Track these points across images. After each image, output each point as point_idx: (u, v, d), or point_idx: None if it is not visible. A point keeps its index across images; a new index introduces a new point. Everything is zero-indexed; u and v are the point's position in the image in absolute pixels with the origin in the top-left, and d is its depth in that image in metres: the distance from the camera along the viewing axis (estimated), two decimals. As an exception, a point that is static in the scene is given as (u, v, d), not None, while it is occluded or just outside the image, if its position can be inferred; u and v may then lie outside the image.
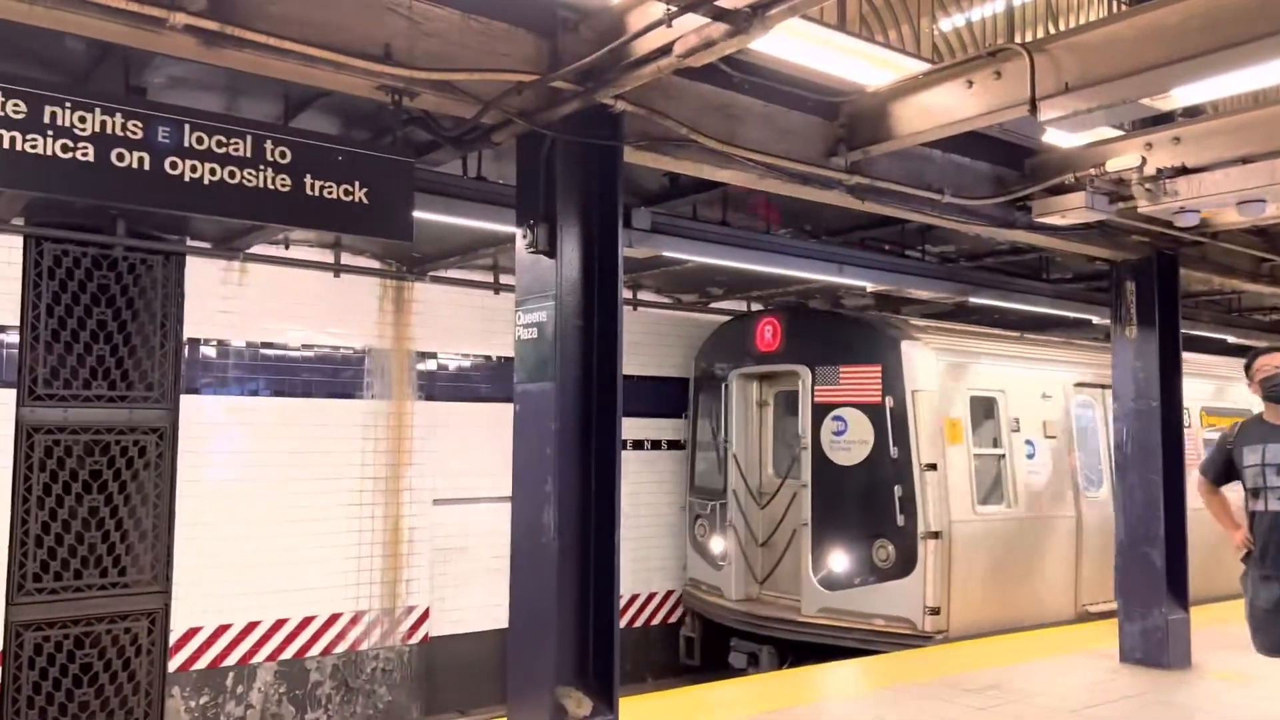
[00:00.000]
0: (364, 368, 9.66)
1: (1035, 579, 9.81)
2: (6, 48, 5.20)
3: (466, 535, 10.23)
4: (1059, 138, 6.55)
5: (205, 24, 4.06)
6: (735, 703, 7.20)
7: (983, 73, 5.32)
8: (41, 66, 5.45)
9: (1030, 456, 9.97)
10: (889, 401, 9.23)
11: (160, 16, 3.95)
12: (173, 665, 8.46)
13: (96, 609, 8.14)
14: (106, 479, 8.24)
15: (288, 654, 9.05)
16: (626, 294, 11.28)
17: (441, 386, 10.20)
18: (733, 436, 10.60)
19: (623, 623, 10.50)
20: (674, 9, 4.17)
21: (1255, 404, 5.73)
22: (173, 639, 8.46)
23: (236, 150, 4.42)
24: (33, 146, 3.97)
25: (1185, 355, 11.84)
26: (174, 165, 4.27)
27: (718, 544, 10.51)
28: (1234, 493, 5.75)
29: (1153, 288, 8.33)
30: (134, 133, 4.19)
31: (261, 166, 4.48)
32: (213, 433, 8.75)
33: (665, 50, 4.46)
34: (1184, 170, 6.13)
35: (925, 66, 5.77)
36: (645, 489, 11.49)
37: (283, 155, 4.54)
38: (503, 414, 10.01)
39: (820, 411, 9.77)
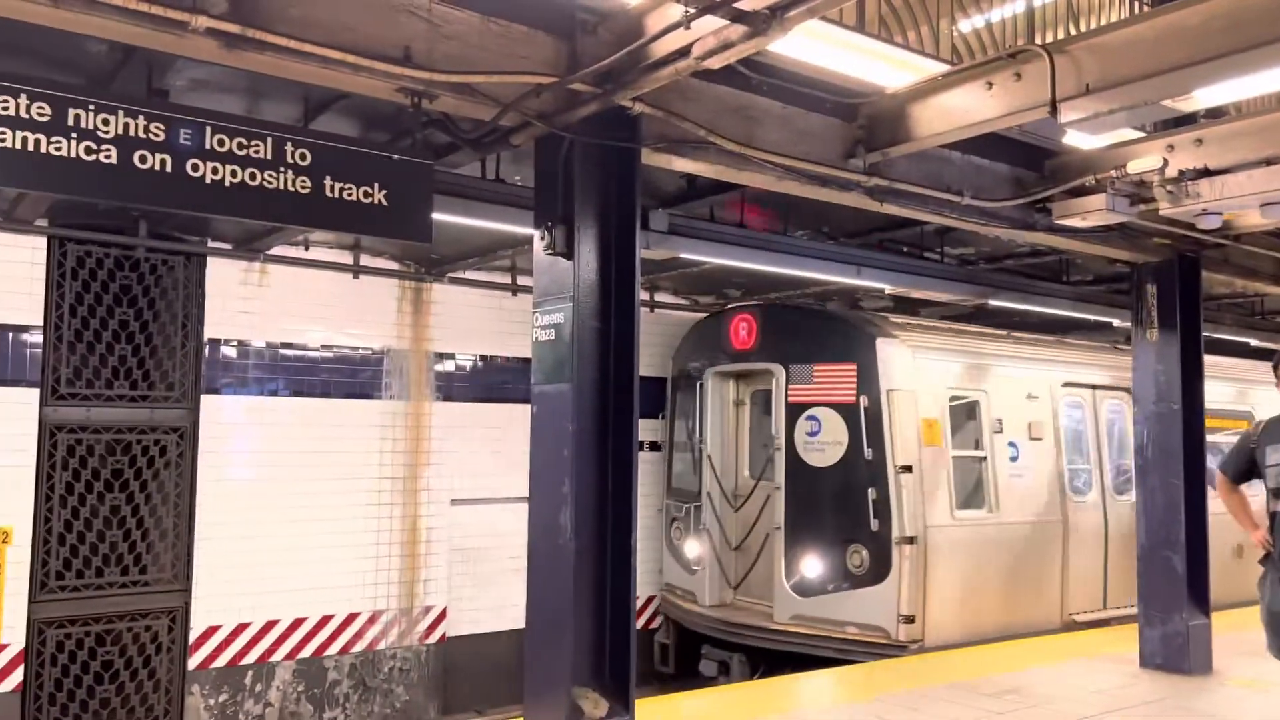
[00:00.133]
0: (382, 368, 9.70)
1: (1018, 587, 9.46)
2: (31, 51, 5.26)
3: (484, 535, 10.25)
4: (1079, 139, 6.51)
5: (226, 27, 4.09)
6: (748, 704, 7.18)
7: (1003, 74, 5.29)
8: (65, 69, 5.51)
9: (1014, 459, 9.62)
10: (863, 401, 8.91)
11: (182, 19, 3.98)
12: (192, 663, 8.52)
13: (118, 607, 8.21)
14: (128, 478, 8.31)
15: (306, 653, 9.10)
16: (643, 295, 11.29)
17: (459, 387, 10.23)
18: (708, 437, 10.28)
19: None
20: (692, 11, 4.17)
21: (1258, 407, 5.69)
22: (192, 637, 8.52)
23: (257, 152, 4.45)
24: (57, 149, 4.02)
25: None
26: (195, 167, 4.31)
27: (692, 548, 10.21)
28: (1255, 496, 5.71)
29: (1174, 290, 8.26)
30: (156, 135, 4.23)
31: (282, 168, 4.51)
32: (233, 432, 8.81)
33: (683, 52, 4.46)
34: (1206, 172, 6.08)
35: (945, 68, 5.75)
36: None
37: (303, 157, 4.58)
38: (520, 415, 10.08)
39: (794, 411, 9.43)
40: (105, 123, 4.12)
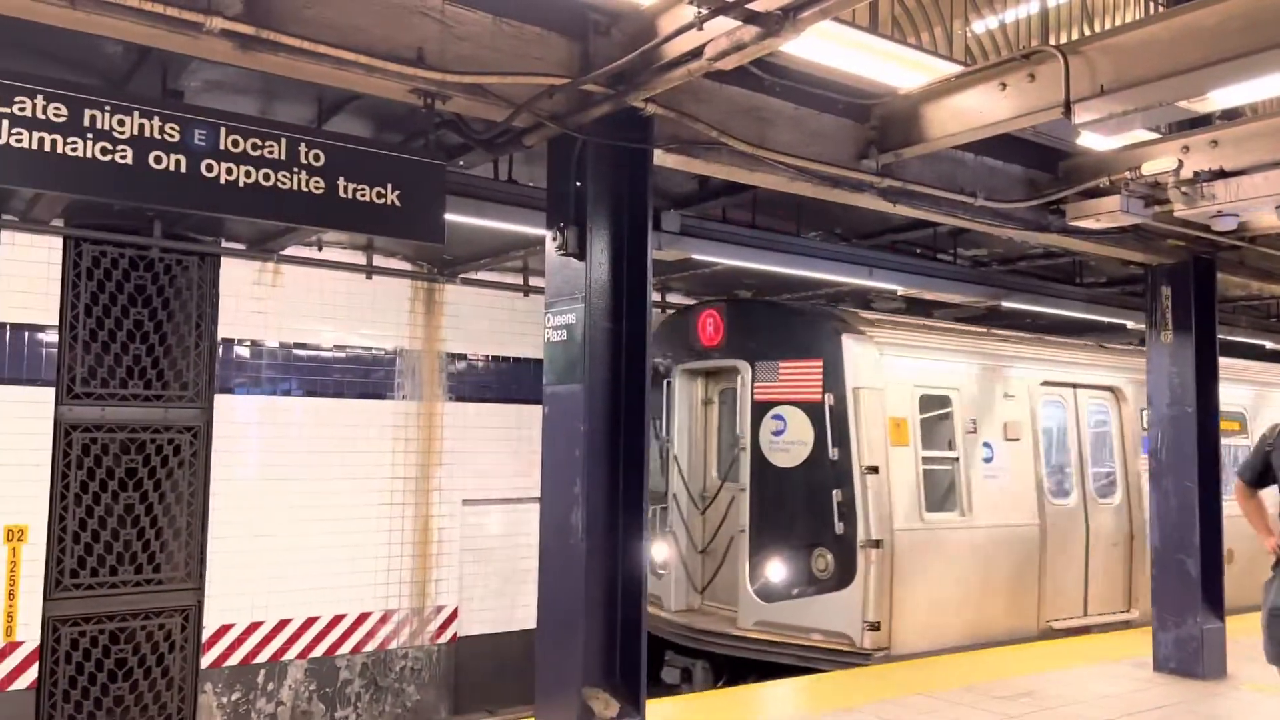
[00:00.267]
0: (395, 369, 9.73)
1: (992, 593, 9.08)
2: (47, 52, 5.30)
3: (495, 536, 10.27)
4: (1094, 141, 6.48)
5: (241, 28, 4.11)
6: (760, 705, 7.18)
7: (1016, 75, 5.28)
8: (81, 71, 5.55)
9: (988, 461, 9.23)
10: (829, 399, 8.52)
11: (197, 21, 4.01)
12: (205, 661, 8.56)
13: (131, 605, 8.26)
14: (142, 477, 8.36)
15: (318, 652, 9.13)
16: (655, 296, 11.29)
17: (471, 388, 10.25)
18: (675, 437, 9.83)
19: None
20: (705, 12, 4.17)
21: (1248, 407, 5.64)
22: (205, 635, 8.56)
23: (271, 153, 4.47)
24: (73, 149, 4.05)
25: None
26: (210, 168, 4.33)
27: (659, 551, 9.75)
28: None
29: (1189, 292, 8.21)
30: (171, 135, 4.25)
31: (295, 169, 4.53)
32: (246, 432, 8.85)
33: (696, 53, 4.46)
34: (1221, 173, 6.04)
35: (958, 69, 5.73)
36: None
37: (316, 158, 4.59)
38: (531, 415, 10.09)
39: (760, 410, 9.04)
40: (121, 123, 4.15)
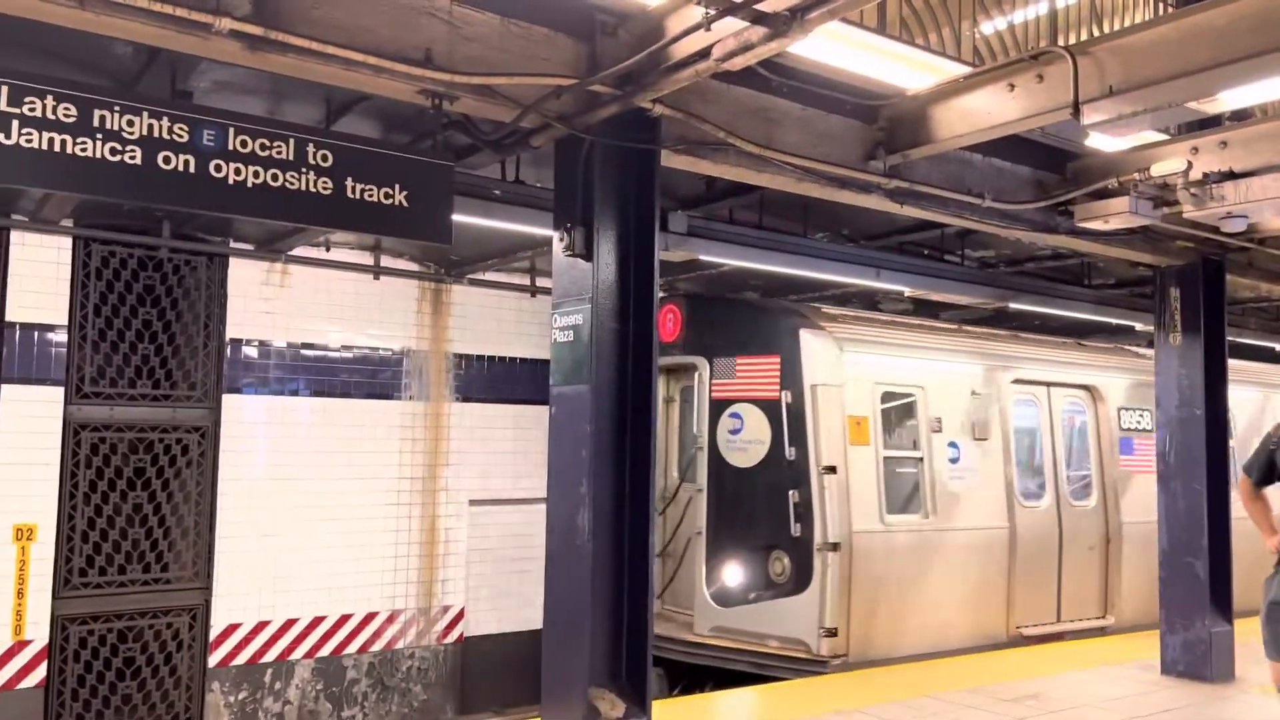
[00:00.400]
0: (402, 369, 9.75)
1: (958, 599, 8.79)
2: (57, 53, 5.32)
3: (502, 536, 10.27)
4: (1102, 142, 6.46)
5: (249, 29, 4.13)
6: (769, 707, 7.17)
7: (1025, 76, 5.27)
8: (91, 71, 5.57)
9: (954, 461, 8.90)
10: (786, 397, 8.27)
11: (206, 21, 4.02)
12: (213, 660, 8.58)
13: (139, 604, 8.28)
14: (150, 476, 8.38)
15: (325, 651, 9.15)
16: (662, 296, 11.28)
17: (478, 388, 10.26)
18: None
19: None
20: (713, 13, 4.18)
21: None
22: (213, 635, 8.58)
23: (279, 153, 4.49)
24: (82, 149, 4.06)
25: (1148, 352, 11.48)
26: (218, 168, 4.35)
27: None
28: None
29: (1198, 294, 8.19)
30: (180, 136, 4.27)
31: (303, 169, 4.54)
32: (253, 432, 8.87)
33: (703, 54, 4.47)
34: (1231, 175, 6.02)
35: (966, 70, 5.73)
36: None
37: (324, 158, 4.60)
38: (539, 415, 10.09)
39: (717, 408, 8.79)
40: (130, 124, 4.16)
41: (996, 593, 9.08)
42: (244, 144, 4.41)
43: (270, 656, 8.86)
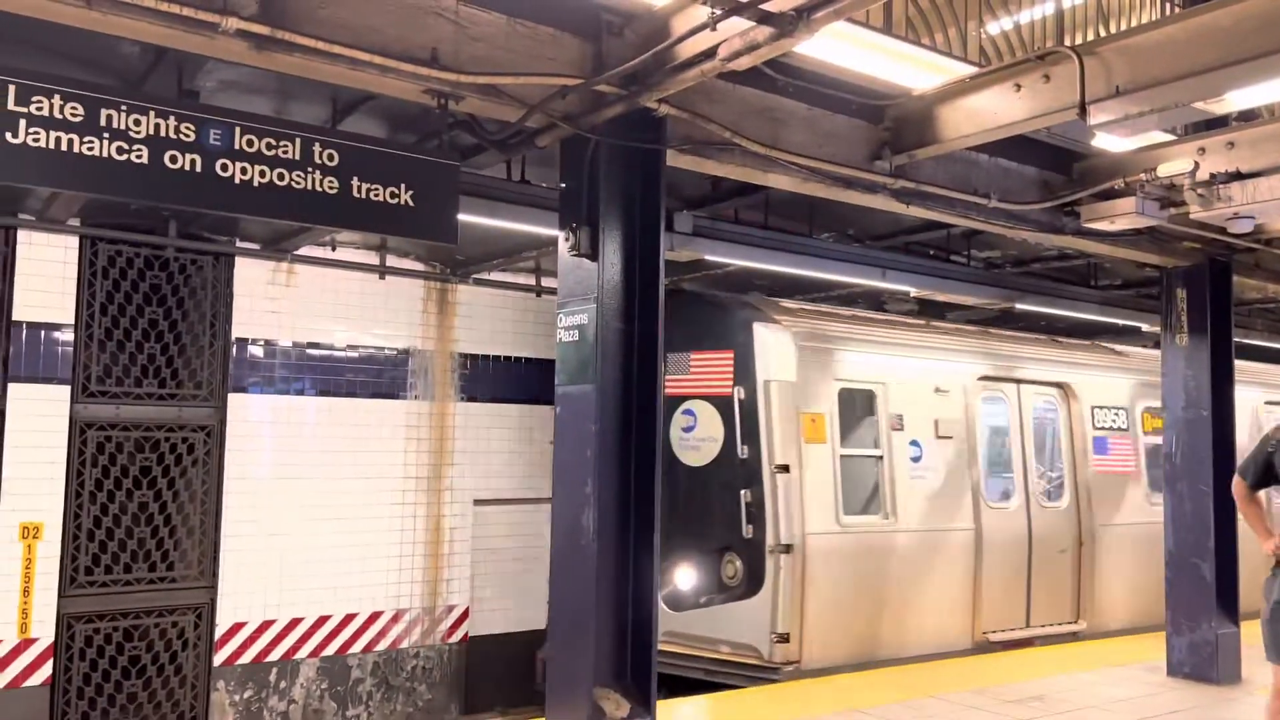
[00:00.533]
0: (407, 368, 9.76)
1: (920, 603, 8.48)
2: (65, 53, 5.33)
3: (507, 536, 10.28)
4: (1109, 142, 6.46)
5: (256, 28, 4.13)
6: (776, 707, 7.15)
7: (1031, 76, 5.26)
8: (98, 71, 5.58)
9: (916, 460, 8.58)
10: (739, 393, 7.98)
11: (213, 21, 4.03)
12: (218, 659, 8.59)
13: (145, 603, 8.30)
14: (156, 475, 8.39)
15: (330, 650, 9.16)
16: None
17: (483, 388, 10.26)
18: None
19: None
20: (718, 12, 4.17)
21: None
22: (218, 634, 8.59)
23: (285, 153, 4.49)
24: (89, 149, 4.07)
25: (1126, 349, 11.40)
26: (225, 167, 4.35)
27: None
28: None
29: (1205, 295, 8.18)
30: (186, 135, 4.28)
31: (310, 169, 4.55)
32: (259, 431, 8.88)
33: (709, 54, 4.46)
34: (1238, 175, 6.01)
35: (972, 70, 5.72)
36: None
37: (330, 158, 4.61)
38: (544, 415, 10.09)
39: (671, 404, 8.43)
40: (137, 123, 4.17)
41: (961, 597, 8.79)
42: (250, 143, 4.41)
43: (275, 655, 8.87)
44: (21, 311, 7.87)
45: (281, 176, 4.48)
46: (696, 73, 4.58)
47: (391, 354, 9.69)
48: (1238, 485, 5.65)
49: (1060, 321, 11.91)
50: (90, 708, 8.04)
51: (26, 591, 7.76)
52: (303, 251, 9.03)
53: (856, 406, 8.55)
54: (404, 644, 9.60)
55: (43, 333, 7.95)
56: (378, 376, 9.58)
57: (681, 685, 7.80)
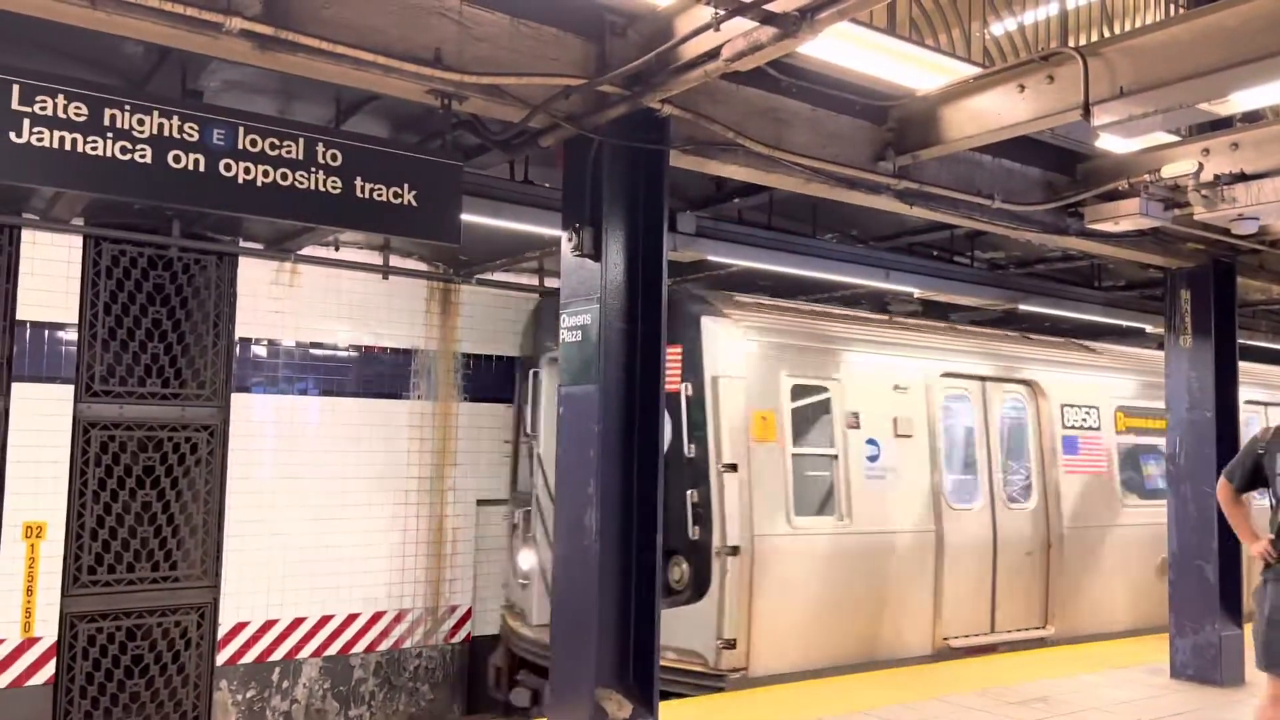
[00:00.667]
0: (410, 368, 9.76)
1: (876, 608, 8.17)
2: (69, 52, 5.34)
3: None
4: (1113, 143, 6.44)
5: (260, 28, 4.14)
6: (781, 708, 7.15)
7: (1035, 77, 5.25)
8: (102, 70, 5.59)
9: (873, 460, 8.25)
10: (687, 389, 7.67)
11: (217, 21, 4.03)
12: (221, 659, 8.60)
13: (148, 602, 8.31)
14: (159, 474, 8.40)
15: (332, 650, 9.16)
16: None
17: (487, 388, 10.26)
18: (540, 432, 8.87)
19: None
20: (722, 13, 4.17)
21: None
22: (221, 633, 8.60)
23: (289, 153, 4.50)
24: (93, 148, 4.07)
25: (1096, 345, 11.20)
26: (228, 167, 4.36)
27: (526, 558, 8.92)
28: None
29: (1209, 296, 8.16)
30: (190, 135, 4.28)
31: (313, 169, 4.55)
32: (262, 430, 8.89)
33: (713, 54, 4.46)
34: (1243, 176, 5.99)
35: (976, 70, 5.71)
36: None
37: (334, 158, 4.61)
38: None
39: None
40: (140, 123, 4.18)
41: (921, 602, 8.45)
42: (254, 143, 4.42)
43: (278, 655, 8.88)
44: (25, 311, 7.88)
45: (285, 176, 4.48)
46: (700, 73, 4.58)
47: (394, 354, 9.69)
48: (1223, 488, 5.54)
49: (1064, 323, 11.90)
50: (93, 707, 8.05)
51: (30, 591, 7.77)
52: (306, 251, 9.04)
53: (811, 404, 8.22)
54: (406, 644, 9.61)
55: (46, 332, 7.96)
56: (380, 376, 9.59)
57: None
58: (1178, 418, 8.27)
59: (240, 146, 4.38)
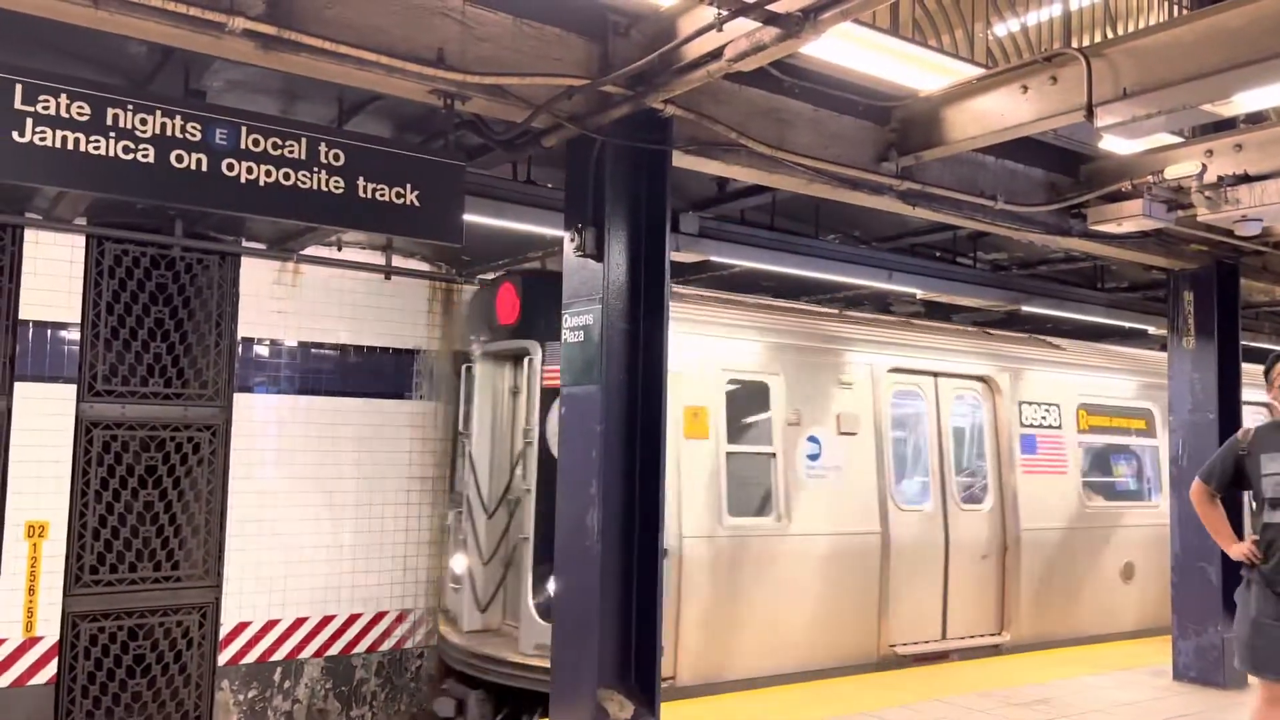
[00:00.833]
0: (413, 368, 9.76)
1: (817, 614, 7.84)
2: (72, 52, 5.34)
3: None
4: (1116, 144, 6.44)
5: (263, 28, 4.14)
6: (782, 710, 7.14)
7: (1038, 78, 5.25)
8: (105, 70, 5.59)
9: (814, 458, 7.92)
10: None
11: (220, 21, 4.04)
12: (222, 658, 8.60)
13: (150, 602, 8.31)
14: (161, 474, 8.41)
15: (334, 650, 9.16)
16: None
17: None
18: (474, 430, 8.65)
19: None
20: (725, 13, 4.17)
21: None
22: (223, 633, 8.60)
23: (291, 153, 4.50)
24: (96, 148, 4.08)
25: (1060, 340, 10.85)
26: (231, 167, 4.36)
27: (458, 562, 8.70)
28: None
29: (1212, 298, 8.15)
30: (193, 135, 4.28)
31: (315, 169, 4.55)
32: (264, 430, 8.89)
33: (715, 55, 4.46)
34: (1246, 178, 5.99)
35: (979, 71, 5.71)
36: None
37: (336, 158, 4.62)
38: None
39: (549, 397, 7.65)
40: (143, 122, 4.18)
41: (865, 607, 8.13)
42: (256, 143, 4.42)
43: (280, 655, 8.88)
44: (28, 310, 7.88)
45: (287, 176, 4.48)
46: (703, 73, 4.58)
47: (397, 354, 9.69)
48: (1198, 489, 5.42)
49: (1066, 324, 11.89)
50: (95, 706, 8.05)
51: (32, 590, 7.77)
52: (308, 251, 9.04)
53: (748, 400, 7.90)
54: (408, 644, 9.60)
55: (49, 332, 7.96)
56: (383, 376, 9.58)
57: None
58: (1180, 419, 8.26)
59: (243, 146, 4.39)
